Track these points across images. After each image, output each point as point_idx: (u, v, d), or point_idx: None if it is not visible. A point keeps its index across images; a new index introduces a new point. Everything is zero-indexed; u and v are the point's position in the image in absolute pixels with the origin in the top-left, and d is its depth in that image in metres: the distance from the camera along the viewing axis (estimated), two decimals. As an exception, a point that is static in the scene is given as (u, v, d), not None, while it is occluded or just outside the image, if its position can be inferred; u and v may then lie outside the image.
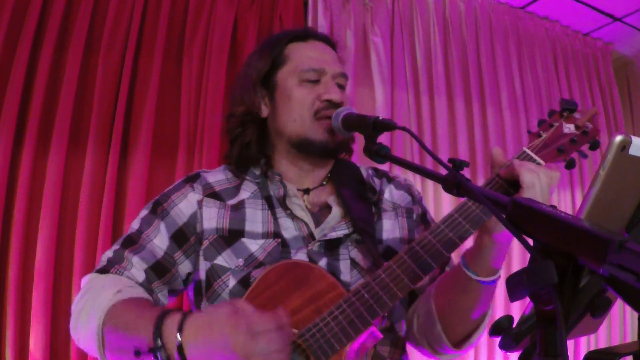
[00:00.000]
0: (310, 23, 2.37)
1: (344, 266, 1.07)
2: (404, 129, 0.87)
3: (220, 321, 0.79)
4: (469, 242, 0.96)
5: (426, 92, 2.59)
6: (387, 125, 0.92)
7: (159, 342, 0.80)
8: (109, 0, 2.02)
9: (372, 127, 0.93)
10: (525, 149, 0.98)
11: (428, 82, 2.61)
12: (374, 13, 2.53)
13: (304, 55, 1.15)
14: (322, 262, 1.05)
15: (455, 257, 1.13)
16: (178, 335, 0.79)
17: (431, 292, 1.06)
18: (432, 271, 0.96)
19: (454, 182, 0.74)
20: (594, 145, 0.97)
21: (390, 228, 1.15)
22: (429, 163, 2.52)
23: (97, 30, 2.00)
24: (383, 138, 0.96)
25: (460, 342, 1.04)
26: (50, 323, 1.78)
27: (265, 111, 1.17)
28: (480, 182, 2.63)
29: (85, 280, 1.05)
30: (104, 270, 1.04)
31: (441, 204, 2.48)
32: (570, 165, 0.98)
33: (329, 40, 1.23)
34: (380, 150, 0.91)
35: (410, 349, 1.15)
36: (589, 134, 0.96)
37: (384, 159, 0.91)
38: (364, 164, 1.29)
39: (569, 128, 0.97)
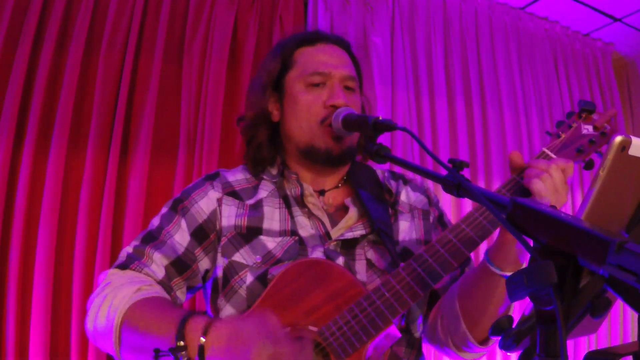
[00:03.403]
0: (310, 23, 2.37)
1: (360, 266, 1.07)
2: (404, 129, 0.87)
3: (248, 333, 0.80)
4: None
5: (426, 92, 2.58)
6: (387, 126, 0.92)
7: (182, 343, 0.81)
8: (109, 0, 2.02)
9: (372, 127, 0.93)
10: (544, 149, 1.00)
11: (428, 82, 2.61)
12: (374, 13, 2.53)
13: (310, 60, 1.15)
14: (339, 261, 1.06)
15: (475, 257, 1.13)
16: (202, 338, 0.80)
17: (454, 292, 1.06)
18: (452, 270, 0.97)
19: (454, 183, 0.74)
20: None
21: (407, 229, 1.16)
22: (429, 163, 2.52)
23: (97, 30, 2.00)
24: (383, 138, 0.96)
25: (487, 338, 1.04)
26: (50, 323, 1.78)
27: (276, 115, 1.19)
28: (481, 182, 2.63)
29: (103, 276, 1.05)
30: (123, 266, 1.05)
31: (441, 204, 2.48)
32: (589, 165, 0.99)
33: (341, 42, 1.22)
34: (381, 150, 0.91)
35: (427, 351, 1.14)
36: (607, 135, 0.97)
37: (384, 159, 0.91)
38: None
39: (587, 129, 0.98)
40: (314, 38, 1.20)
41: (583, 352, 2.71)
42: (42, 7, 1.92)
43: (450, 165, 0.77)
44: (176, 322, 0.84)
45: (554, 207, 0.57)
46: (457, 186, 0.73)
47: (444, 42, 2.69)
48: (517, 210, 0.57)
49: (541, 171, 0.91)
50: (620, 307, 2.85)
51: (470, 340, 1.02)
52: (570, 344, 2.69)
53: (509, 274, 0.94)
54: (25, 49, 1.85)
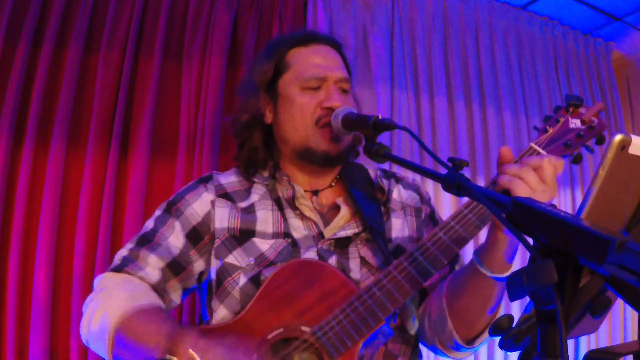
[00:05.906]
0: (310, 23, 2.37)
1: (354, 264, 1.08)
2: (403, 128, 0.88)
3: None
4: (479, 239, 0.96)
5: (426, 92, 2.58)
6: (387, 125, 0.92)
7: (169, 357, 0.82)
8: (108, 0, 2.02)
9: (372, 126, 0.93)
10: (532, 144, 1.00)
11: (428, 82, 2.61)
12: (374, 13, 2.53)
13: (305, 62, 1.15)
14: (332, 260, 1.06)
15: (465, 255, 1.13)
16: (191, 351, 0.81)
17: (442, 290, 1.06)
18: (442, 267, 0.98)
19: (453, 182, 0.74)
20: (600, 140, 0.98)
21: (400, 227, 1.16)
22: (428, 163, 2.52)
23: (96, 29, 2.00)
24: (383, 138, 0.96)
25: (473, 339, 1.04)
26: (50, 323, 1.78)
27: (269, 117, 1.18)
28: (481, 182, 2.63)
29: (98, 279, 1.06)
30: (118, 269, 1.05)
31: (441, 204, 2.48)
32: (577, 159, 0.99)
33: (333, 43, 1.22)
34: (380, 149, 0.91)
35: (423, 348, 1.15)
36: (595, 129, 0.98)
37: (383, 158, 0.91)
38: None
39: (574, 123, 0.98)
40: (307, 39, 1.19)
41: (583, 351, 2.71)
42: (42, 7, 1.91)
43: (450, 164, 0.77)
44: (166, 337, 0.85)
45: (553, 206, 0.57)
46: (457, 185, 0.73)
47: (443, 42, 2.68)
48: (517, 209, 0.57)
49: (512, 177, 0.89)
50: (620, 306, 2.85)
51: (457, 340, 1.03)
52: (570, 343, 2.69)
53: (497, 275, 0.95)
54: (24, 48, 1.85)
